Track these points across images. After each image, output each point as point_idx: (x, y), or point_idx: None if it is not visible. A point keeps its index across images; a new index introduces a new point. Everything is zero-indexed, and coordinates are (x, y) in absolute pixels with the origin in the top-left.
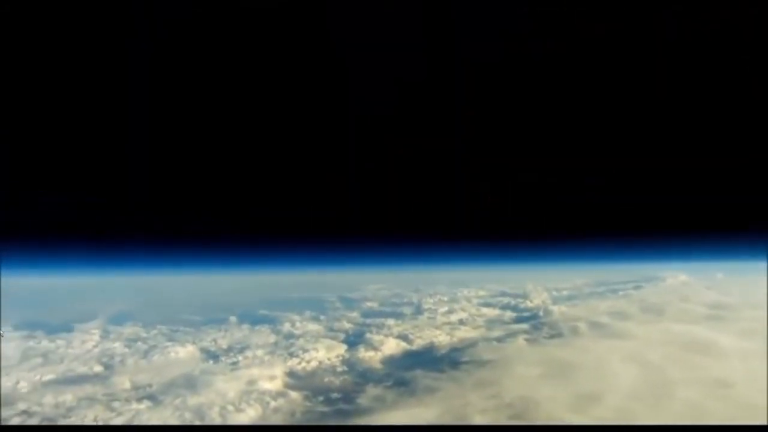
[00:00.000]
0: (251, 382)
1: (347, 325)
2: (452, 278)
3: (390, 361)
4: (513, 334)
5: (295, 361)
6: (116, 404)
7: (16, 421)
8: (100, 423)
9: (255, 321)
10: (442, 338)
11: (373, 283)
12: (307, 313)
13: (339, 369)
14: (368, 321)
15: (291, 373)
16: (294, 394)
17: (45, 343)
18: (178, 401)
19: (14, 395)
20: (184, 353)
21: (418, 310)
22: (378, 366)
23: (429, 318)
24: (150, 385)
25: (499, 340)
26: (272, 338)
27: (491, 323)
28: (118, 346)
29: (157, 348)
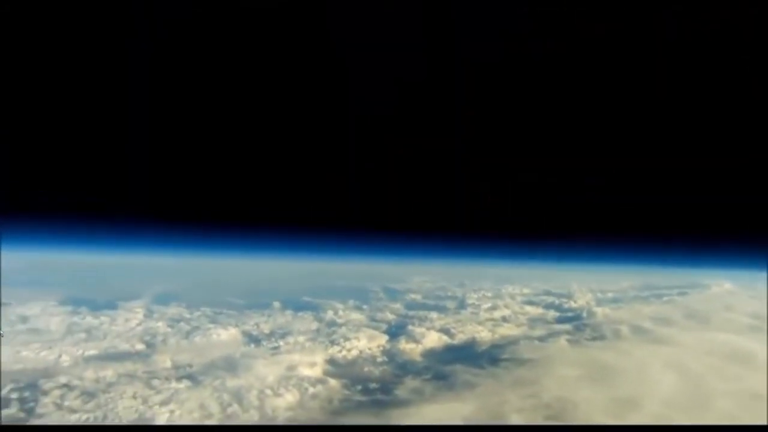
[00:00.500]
0: (291, 367)
1: (390, 316)
2: (497, 274)
3: (430, 354)
4: (555, 334)
5: (336, 349)
6: (156, 382)
7: (56, 393)
8: (138, 400)
9: (298, 307)
10: (483, 334)
11: (418, 275)
12: (351, 302)
13: (379, 359)
14: (411, 313)
15: (331, 361)
16: (333, 382)
17: (89, 320)
18: (217, 383)
19: (56, 368)
20: (226, 336)
21: (462, 305)
22: (418, 358)
23: (472, 313)
24: (190, 366)
25: (540, 339)
26: (314, 325)
27: (534, 322)
28: (161, 326)
29: (200, 329)
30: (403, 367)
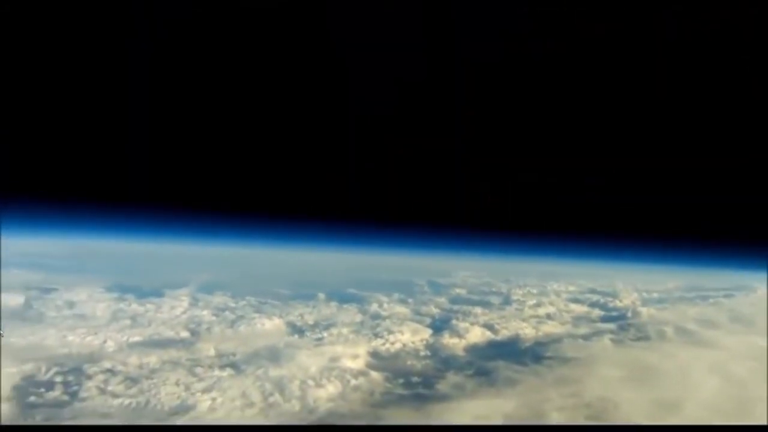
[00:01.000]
0: (334, 359)
1: (434, 310)
2: (543, 271)
3: (473, 350)
4: (599, 333)
5: (380, 341)
6: (199, 370)
7: (100, 378)
8: (180, 387)
9: (343, 299)
10: (527, 331)
11: (463, 270)
12: (396, 296)
13: (422, 353)
14: (455, 308)
15: (374, 354)
16: (375, 375)
17: (135, 307)
18: (260, 372)
19: (101, 353)
20: (270, 326)
21: (507, 301)
22: (461, 353)
23: (516, 309)
24: (234, 354)
25: (584, 337)
26: (359, 317)
27: (578, 320)
28: (205, 314)
29: (244, 318)
30: (445, 362)
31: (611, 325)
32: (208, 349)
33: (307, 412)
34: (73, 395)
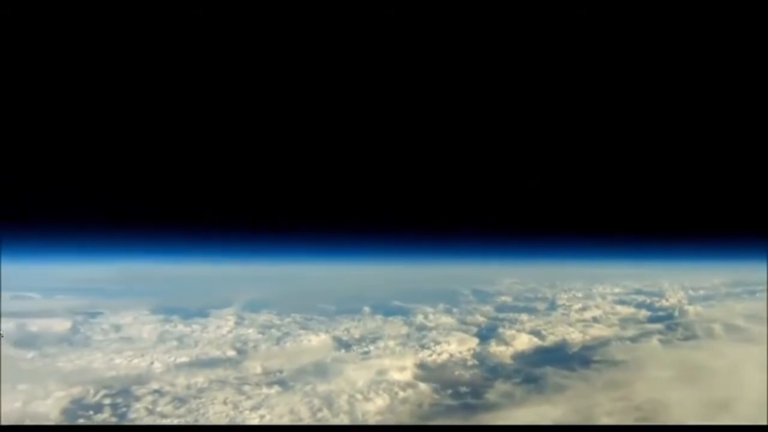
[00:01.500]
0: (381, 372)
1: (480, 319)
2: (588, 274)
3: (521, 357)
4: (647, 334)
5: (427, 353)
6: (246, 388)
7: (148, 399)
8: (229, 406)
9: (388, 312)
10: (574, 335)
11: (507, 277)
12: (441, 306)
13: (469, 362)
14: (501, 315)
15: (421, 365)
16: (423, 386)
17: (181, 327)
18: (307, 388)
19: (148, 375)
20: (316, 341)
21: (552, 306)
22: (508, 361)
23: (562, 314)
24: (281, 371)
25: (632, 339)
26: (404, 329)
27: (625, 322)
28: (251, 332)
29: (290, 335)
30: (493, 371)
31: (659, 326)
32: (255, 367)
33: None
34: (122, 416)
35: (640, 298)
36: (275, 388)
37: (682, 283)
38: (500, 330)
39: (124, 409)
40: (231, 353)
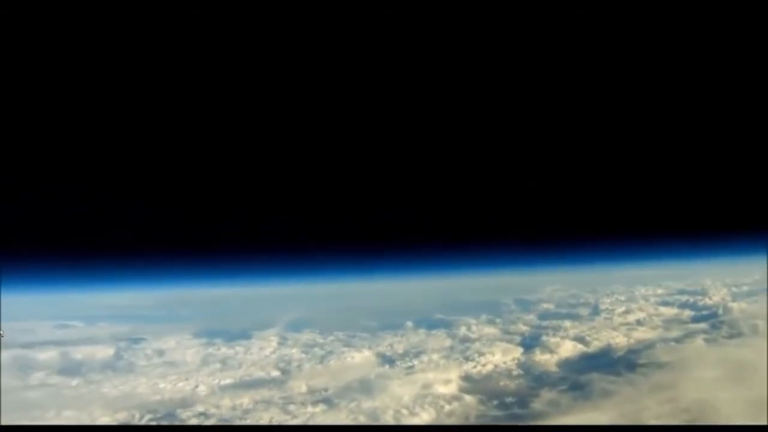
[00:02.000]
0: (426, 386)
1: (523, 328)
2: (630, 276)
3: (566, 364)
4: (691, 334)
5: (471, 364)
6: (291, 407)
7: (193, 422)
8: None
9: (431, 325)
10: (619, 339)
11: (549, 284)
12: (483, 317)
13: (514, 372)
14: (544, 323)
15: (466, 377)
16: (468, 398)
17: (224, 350)
18: (353, 405)
19: (193, 398)
20: (360, 358)
21: (595, 311)
22: (553, 369)
23: (606, 319)
24: (326, 389)
25: (677, 340)
26: (448, 342)
27: (669, 323)
28: (295, 352)
29: (334, 353)
30: (538, 379)
31: (703, 325)
32: (299, 387)
33: None
34: None
35: (683, 298)
36: (320, 407)
37: (724, 280)
38: (544, 338)
39: None
40: (275, 373)
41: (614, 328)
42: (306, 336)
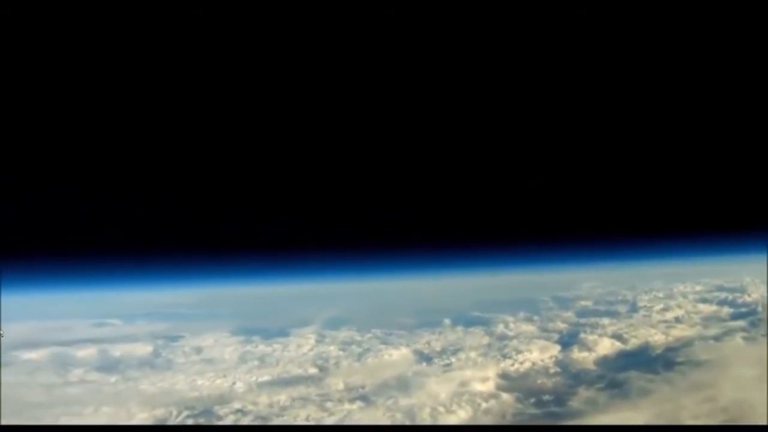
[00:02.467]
0: (463, 383)
1: (561, 325)
2: (668, 273)
3: (604, 362)
4: (730, 332)
5: (508, 362)
6: (329, 404)
7: (231, 418)
8: (312, 423)
9: (468, 323)
10: (657, 337)
11: (587, 281)
12: (521, 314)
13: (552, 370)
14: (582, 320)
15: (503, 375)
16: (505, 396)
17: (262, 347)
18: (390, 402)
19: (230, 395)
20: (397, 356)
21: (633, 308)
22: (591, 367)
23: (644, 316)
24: (363, 387)
25: (715, 338)
26: (485, 340)
27: (707, 320)
28: (332, 350)
29: (371, 351)
30: (576, 377)
31: (742, 323)
32: (337, 384)
33: None
34: None
35: (722, 295)
36: (357, 404)
37: (763, 276)
38: (582, 335)
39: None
40: (313, 371)
41: (652, 326)
42: (344, 333)
